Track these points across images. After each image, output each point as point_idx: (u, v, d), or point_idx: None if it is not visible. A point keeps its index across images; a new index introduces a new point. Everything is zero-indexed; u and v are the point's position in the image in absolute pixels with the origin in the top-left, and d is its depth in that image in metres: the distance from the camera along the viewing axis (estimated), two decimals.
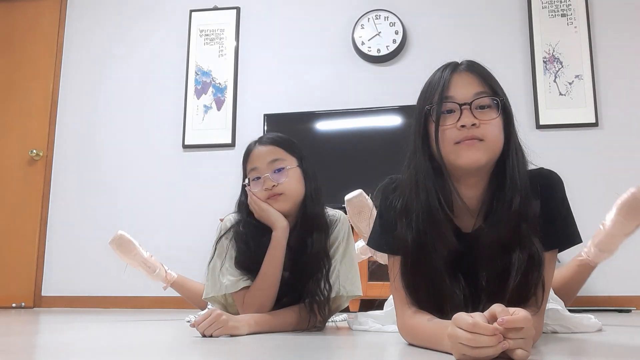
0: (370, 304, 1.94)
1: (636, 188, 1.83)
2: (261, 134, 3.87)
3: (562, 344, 1.30)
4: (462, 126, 1.16)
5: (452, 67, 1.23)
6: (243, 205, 1.77)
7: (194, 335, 1.50)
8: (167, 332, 1.83)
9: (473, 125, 1.16)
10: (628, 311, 3.11)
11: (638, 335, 1.62)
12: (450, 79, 1.21)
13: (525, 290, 1.16)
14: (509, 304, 1.03)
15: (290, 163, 1.73)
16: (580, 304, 3.33)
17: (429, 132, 1.22)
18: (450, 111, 1.19)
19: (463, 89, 1.19)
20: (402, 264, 1.23)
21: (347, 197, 2.08)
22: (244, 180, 1.78)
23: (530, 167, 1.26)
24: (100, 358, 1.12)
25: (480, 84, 1.21)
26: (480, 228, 1.22)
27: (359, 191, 2.08)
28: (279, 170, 1.70)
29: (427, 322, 1.14)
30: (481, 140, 1.16)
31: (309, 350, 1.24)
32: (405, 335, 1.24)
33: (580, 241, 1.24)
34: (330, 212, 1.81)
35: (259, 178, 1.71)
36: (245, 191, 1.77)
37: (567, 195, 1.25)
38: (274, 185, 1.68)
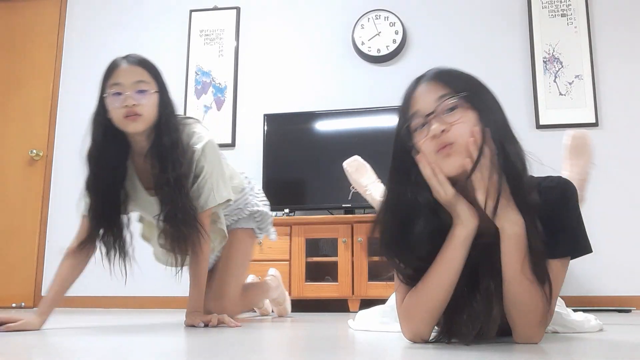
0: (371, 304, 1.94)
1: (572, 131, 2.08)
2: (261, 134, 3.91)
3: (562, 344, 1.30)
4: (433, 136, 1.15)
5: (416, 81, 1.23)
6: (98, 121, 1.82)
7: (194, 334, 1.50)
8: (165, 332, 1.83)
9: (443, 131, 1.14)
10: (628, 311, 3.11)
11: (638, 335, 1.62)
12: (413, 94, 1.21)
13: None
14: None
15: (152, 87, 1.80)
16: (580, 304, 3.33)
17: (409, 152, 1.20)
18: (422, 125, 1.18)
19: (426, 99, 1.19)
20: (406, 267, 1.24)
21: (345, 162, 2.46)
22: (102, 93, 1.79)
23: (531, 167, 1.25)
24: (100, 358, 1.12)
25: (443, 87, 1.18)
26: (489, 228, 1.19)
27: (354, 157, 2.47)
28: (142, 91, 1.77)
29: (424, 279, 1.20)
30: (452, 143, 1.14)
31: (309, 350, 1.24)
32: (408, 313, 1.23)
33: (591, 251, 1.25)
34: (196, 140, 1.89)
35: (119, 94, 1.75)
36: (103, 104, 1.79)
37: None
38: (134, 105, 1.74)
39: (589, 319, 1.67)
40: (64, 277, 1.89)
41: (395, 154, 1.24)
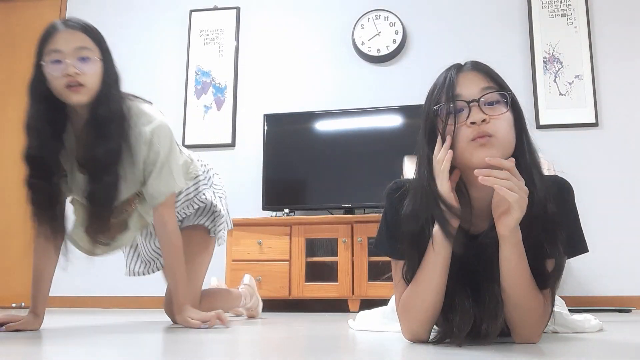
0: (370, 304, 1.94)
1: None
2: (261, 134, 3.91)
3: (562, 344, 1.29)
4: (473, 123, 1.14)
5: (457, 68, 1.22)
6: (35, 91, 1.67)
7: (188, 333, 1.50)
8: (164, 332, 1.83)
9: (483, 121, 1.14)
10: (628, 311, 3.11)
11: (638, 335, 1.62)
12: (456, 78, 1.19)
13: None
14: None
15: (96, 55, 1.67)
16: (580, 304, 3.33)
17: (437, 134, 1.19)
18: (460, 110, 1.17)
19: (470, 87, 1.18)
20: (409, 267, 1.23)
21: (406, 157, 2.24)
22: (39, 60, 1.64)
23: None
24: (101, 358, 1.12)
25: (487, 80, 1.19)
26: (490, 230, 1.19)
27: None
28: (85, 59, 1.63)
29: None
30: (491, 136, 1.14)
31: (309, 350, 1.24)
32: (404, 313, 1.25)
33: (587, 250, 1.25)
34: (145, 121, 1.75)
35: (59, 62, 1.61)
36: (41, 72, 1.64)
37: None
38: (76, 74, 1.61)
39: (589, 319, 1.67)
40: (39, 270, 1.79)
41: (421, 140, 1.23)
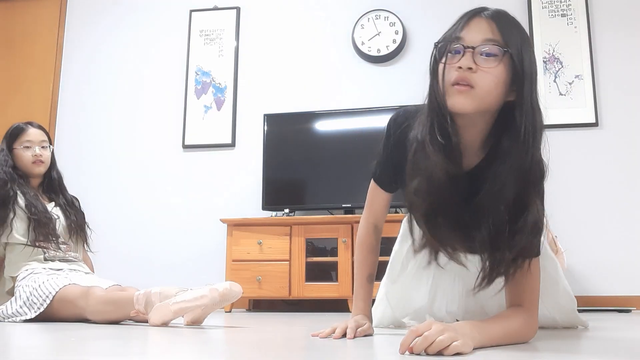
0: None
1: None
2: (261, 134, 3.90)
3: (562, 344, 1.30)
4: (460, 67, 1.17)
5: (477, 11, 1.23)
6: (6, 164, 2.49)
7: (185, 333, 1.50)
8: (161, 332, 1.83)
9: (470, 69, 1.16)
10: (628, 311, 3.11)
11: (639, 335, 1.62)
12: (467, 22, 1.22)
13: (526, 252, 1.23)
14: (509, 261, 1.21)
15: (49, 145, 2.61)
16: (580, 304, 3.32)
17: (437, 70, 1.24)
18: (458, 52, 1.19)
19: (475, 33, 1.19)
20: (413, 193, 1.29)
21: None
22: (12, 145, 2.53)
23: None
24: (100, 358, 1.12)
25: (495, 32, 1.19)
26: (481, 163, 1.27)
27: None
28: (44, 147, 2.57)
29: (361, 282, 1.52)
30: (472, 87, 1.16)
31: (310, 350, 1.24)
32: (356, 247, 1.56)
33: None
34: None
35: (29, 147, 2.52)
36: (11, 152, 2.53)
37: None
38: (41, 155, 2.53)
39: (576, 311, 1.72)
40: None
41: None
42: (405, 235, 1.52)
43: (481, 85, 1.16)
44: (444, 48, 1.22)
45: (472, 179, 1.26)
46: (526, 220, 1.20)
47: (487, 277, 1.24)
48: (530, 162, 1.19)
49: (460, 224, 1.26)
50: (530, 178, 1.20)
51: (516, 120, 1.18)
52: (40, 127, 2.62)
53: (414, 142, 1.29)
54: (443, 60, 1.21)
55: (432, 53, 1.26)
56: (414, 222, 1.33)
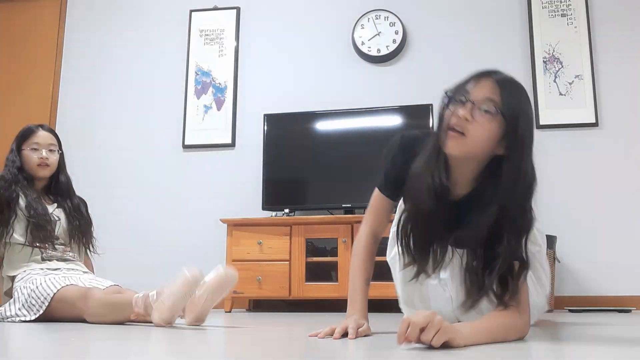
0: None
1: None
2: (261, 134, 3.90)
3: (556, 344, 1.30)
4: (458, 116, 1.31)
5: (488, 73, 1.36)
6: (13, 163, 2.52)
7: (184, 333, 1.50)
8: (162, 332, 1.83)
9: (466, 119, 1.30)
10: (628, 311, 3.11)
11: (638, 335, 1.62)
12: (478, 80, 1.35)
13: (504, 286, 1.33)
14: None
15: (57, 149, 2.60)
16: (580, 304, 3.33)
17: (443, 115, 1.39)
18: (461, 102, 1.32)
19: (480, 91, 1.33)
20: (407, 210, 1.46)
21: None
22: (20, 146, 2.56)
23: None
24: (100, 358, 1.12)
25: (496, 94, 1.31)
26: (470, 193, 1.40)
27: None
28: (52, 151, 2.57)
29: (359, 285, 1.56)
30: (463, 134, 1.30)
31: (310, 350, 1.24)
32: (355, 250, 1.61)
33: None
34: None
35: (37, 149, 2.53)
36: (19, 153, 2.55)
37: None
38: (47, 158, 2.53)
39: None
40: None
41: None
42: (394, 240, 1.61)
43: (472, 135, 1.31)
44: (452, 97, 1.36)
45: (459, 207, 1.40)
46: (501, 251, 1.32)
47: (471, 301, 1.36)
48: (515, 208, 1.32)
49: (441, 246, 1.44)
50: (516, 223, 1.33)
51: (502, 172, 1.32)
52: (50, 131, 2.62)
53: (414, 169, 1.44)
54: (449, 106, 1.35)
55: (442, 99, 1.39)
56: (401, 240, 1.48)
